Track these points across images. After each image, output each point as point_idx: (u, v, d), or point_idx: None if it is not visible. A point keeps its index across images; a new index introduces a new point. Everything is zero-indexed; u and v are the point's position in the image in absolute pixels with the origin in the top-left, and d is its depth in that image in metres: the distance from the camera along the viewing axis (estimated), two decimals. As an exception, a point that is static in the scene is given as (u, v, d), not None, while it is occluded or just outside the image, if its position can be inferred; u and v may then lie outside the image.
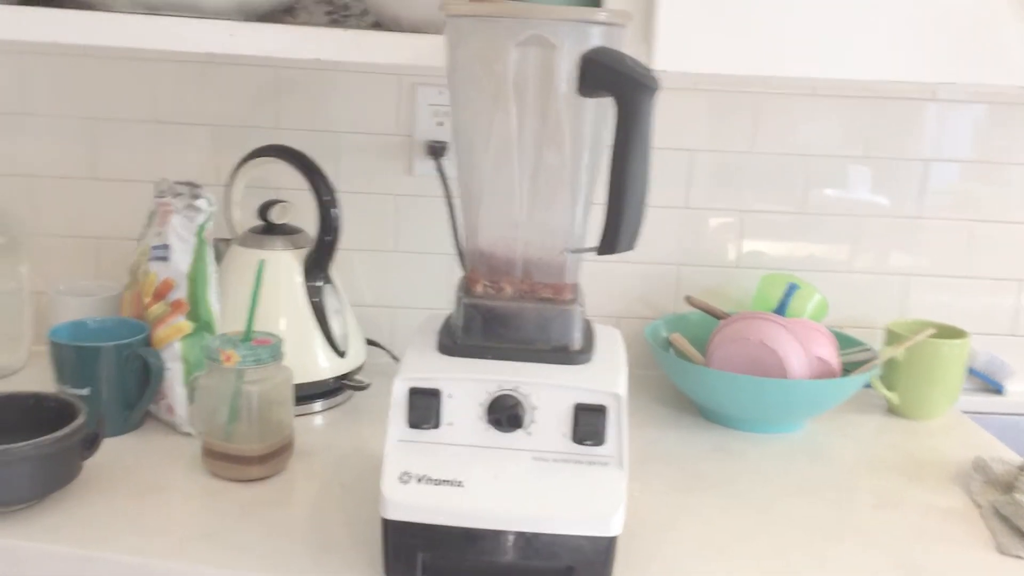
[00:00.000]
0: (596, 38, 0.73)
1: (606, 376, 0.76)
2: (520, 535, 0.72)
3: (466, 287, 0.80)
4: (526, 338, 0.78)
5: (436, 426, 0.75)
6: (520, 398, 0.74)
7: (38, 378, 1.12)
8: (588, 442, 0.74)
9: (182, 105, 1.20)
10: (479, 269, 0.80)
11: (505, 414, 0.73)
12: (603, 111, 0.76)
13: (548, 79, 0.73)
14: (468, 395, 0.74)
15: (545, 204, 0.77)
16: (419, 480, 0.73)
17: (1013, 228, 1.25)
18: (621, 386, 0.75)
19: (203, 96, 1.19)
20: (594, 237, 0.75)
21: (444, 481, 0.73)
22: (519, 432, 0.74)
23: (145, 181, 1.21)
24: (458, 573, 0.75)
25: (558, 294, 0.79)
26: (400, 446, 0.75)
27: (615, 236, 0.72)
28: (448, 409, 0.75)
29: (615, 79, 0.69)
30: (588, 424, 0.74)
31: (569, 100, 0.73)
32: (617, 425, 0.74)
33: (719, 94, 1.20)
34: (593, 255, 0.77)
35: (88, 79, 1.19)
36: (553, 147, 0.75)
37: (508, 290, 0.79)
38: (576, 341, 0.78)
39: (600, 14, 0.73)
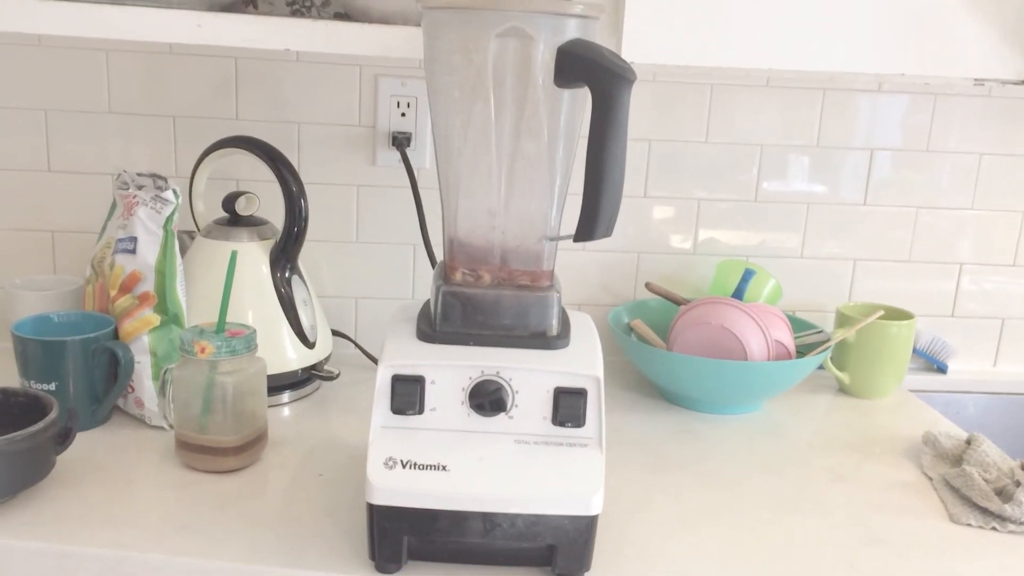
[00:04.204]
0: (572, 30, 0.74)
1: (584, 360, 0.78)
2: (504, 516, 0.73)
3: (444, 275, 0.82)
4: (505, 324, 0.79)
5: (420, 412, 0.76)
6: (502, 383, 0.75)
7: (-3, 374, 1.10)
8: (568, 424, 0.76)
9: (138, 96, 1.18)
10: (458, 257, 0.81)
11: (488, 399, 0.75)
12: (578, 101, 0.78)
13: (526, 70, 0.75)
14: (451, 381, 0.76)
15: (523, 192, 0.79)
16: (404, 465, 0.74)
17: (952, 214, 1.31)
18: (599, 369, 0.77)
19: (160, 87, 1.18)
20: (570, 225, 0.77)
21: (429, 466, 0.74)
22: (501, 416, 0.76)
23: (101, 174, 1.20)
24: (443, 556, 0.76)
25: (535, 281, 0.81)
26: (384, 432, 0.76)
27: (593, 223, 0.74)
28: (431, 395, 0.76)
29: (594, 71, 0.71)
30: (568, 407, 0.76)
31: (546, 90, 0.75)
32: (596, 407, 0.76)
33: (675, 85, 1.23)
34: (569, 242, 0.79)
35: (40, 69, 1.16)
36: (530, 137, 0.77)
37: (486, 278, 0.81)
38: (554, 327, 0.80)
39: (576, 6, 0.75)
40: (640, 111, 1.23)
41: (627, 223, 1.27)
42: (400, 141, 1.18)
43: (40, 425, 0.81)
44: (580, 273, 1.28)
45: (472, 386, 0.76)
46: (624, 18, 0.89)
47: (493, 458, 0.75)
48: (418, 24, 0.91)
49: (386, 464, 0.74)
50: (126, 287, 0.98)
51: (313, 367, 1.10)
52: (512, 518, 0.74)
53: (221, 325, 0.90)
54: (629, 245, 1.28)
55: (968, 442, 1.01)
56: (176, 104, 1.19)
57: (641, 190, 1.26)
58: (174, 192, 0.99)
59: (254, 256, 1.06)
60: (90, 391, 0.96)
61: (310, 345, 1.08)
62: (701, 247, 1.29)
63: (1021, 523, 0.87)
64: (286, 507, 0.85)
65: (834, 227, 1.30)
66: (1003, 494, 0.90)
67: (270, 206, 1.10)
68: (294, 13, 1.15)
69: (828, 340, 1.15)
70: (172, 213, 0.99)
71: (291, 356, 1.07)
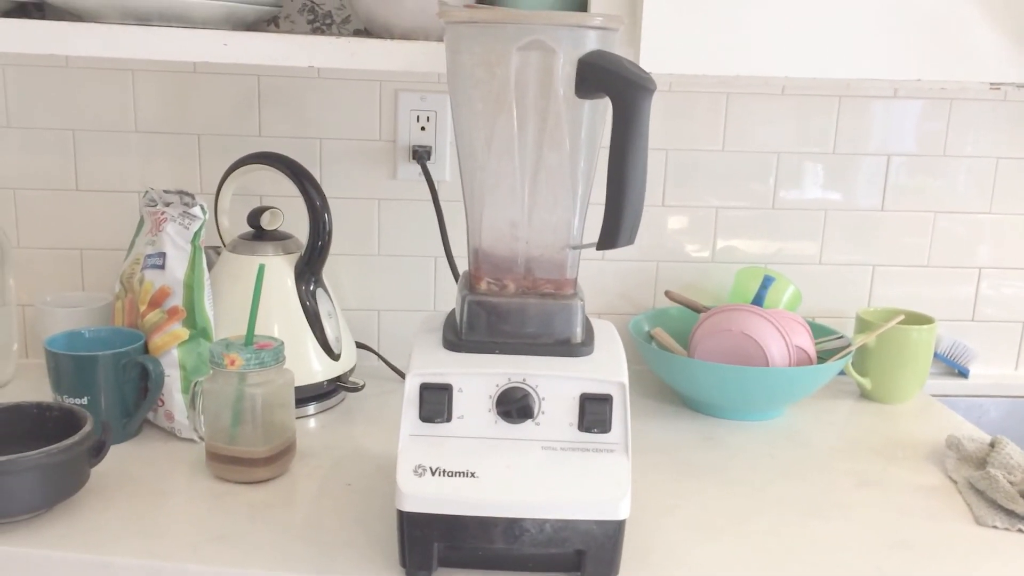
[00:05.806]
0: (592, 42, 0.76)
1: (609, 367, 0.79)
2: (533, 522, 0.74)
3: (470, 285, 0.83)
4: (530, 332, 0.80)
5: (448, 420, 0.77)
6: (528, 390, 0.76)
7: (28, 389, 1.12)
8: (595, 430, 0.77)
9: (163, 115, 1.20)
10: (482, 267, 0.82)
11: (515, 406, 0.76)
12: (599, 112, 0.79)
13: (547, 82, 0.76)
14: (478, 389, 0.77)
15: (546, 202, 0.80)
16: (433, 472, 0.75)
17: (970, 218, 1.31)
18: (624, 375, 0.78)
19: (185, 106, 1.20)
20: (592, 233, 0.78)
21: (457, 473, 0.75)
22: (528, 423, 0.77)
23: (128, 191, 1.22)
24: (472, 562, 0.77)
25: (559, 289, 0.82)
26: (413, 440, 0.77)
27: (616, 231, 0.75)
28: (459, 403, 0.77)
29: (614, 81, 0.72)
30: (594, 413, 0.77)
31: (567, 102, 0.76)
32: (622, 413, 0.77)
33: (691, 95, 1.24)
34: (587, 252, 0.80)
35: (67, 90, 1.18)
36: (553, 147, 0.78)
37: (511, 287, 0.82)
38: (578, 334, 0.81)
39: (595, 19, 0.76)
40: (657, 121, 1.24)
41: (645, 232, 1.27)
42: (420, 155, 1.20)
43: (75, 438, 0.82)
44: (599, 282, 1.29)
45: (499, 393, 0.77)
46: (641, 29, 0.90)
47: (521, 464, 0.76)
48: (440, 39, 0.93)
49: (415, 472, 0.75)
50: (155, 302, 1.00)
51: (338, 379, 1.11)
52: (541, 523, 0.74)
53: (250, 338, 0.92)
54: (647, 254, 1.29)
55: (992, 445, 1.01)
56: (200, 122, 1.21)
57: (659, 199, 1.27)
58: (202, 208, 1.01)
59: (279, 270, 1.07)
60: (121, 405, 0.98)
61: (335, 357, 1.09)
62: (719, 255, 1.30)
63: (1047, 524, 0.87)
64: (316, 516, 0.86)
65: (852, 233, 1.31)
66: (1028, 496, 0.90)
67: (294, 221, 1.12)
68: (315, 31, 1.17)
69: (849, 345, 1.16)
70: (200, 228, 1.01)
71: (317, 368, 1.08)
